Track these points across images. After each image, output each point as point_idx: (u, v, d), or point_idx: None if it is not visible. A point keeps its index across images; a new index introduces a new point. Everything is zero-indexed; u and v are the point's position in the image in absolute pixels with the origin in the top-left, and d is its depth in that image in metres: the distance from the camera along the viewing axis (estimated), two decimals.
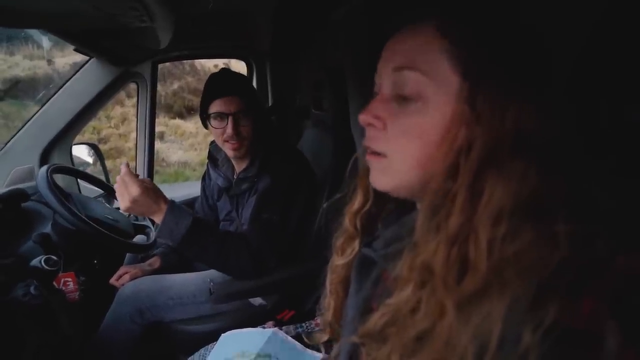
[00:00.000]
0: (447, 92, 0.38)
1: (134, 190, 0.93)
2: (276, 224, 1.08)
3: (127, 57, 1.50)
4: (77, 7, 0.68)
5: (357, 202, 0.52)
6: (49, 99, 1.46)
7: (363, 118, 0.43)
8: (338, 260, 0.54)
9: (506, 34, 0.38)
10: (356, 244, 0.52)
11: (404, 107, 0.41)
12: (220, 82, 1.13)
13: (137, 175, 0.96)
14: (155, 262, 1.28)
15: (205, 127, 1.16)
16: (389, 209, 0.52)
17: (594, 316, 0.29)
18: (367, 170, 0.49)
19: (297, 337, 0.84)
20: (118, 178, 0.95)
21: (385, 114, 0.42)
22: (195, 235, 0.99)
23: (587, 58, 0.40)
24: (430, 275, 0.35)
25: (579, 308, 0.29)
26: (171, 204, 0.99)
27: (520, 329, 0.30)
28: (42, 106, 1.46)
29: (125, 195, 0.93)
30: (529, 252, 0.31)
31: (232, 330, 0.84)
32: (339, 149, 1.28)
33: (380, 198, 0.50)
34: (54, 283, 1.04)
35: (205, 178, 1.40)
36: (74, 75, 1.48)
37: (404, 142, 0.40)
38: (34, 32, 5.12)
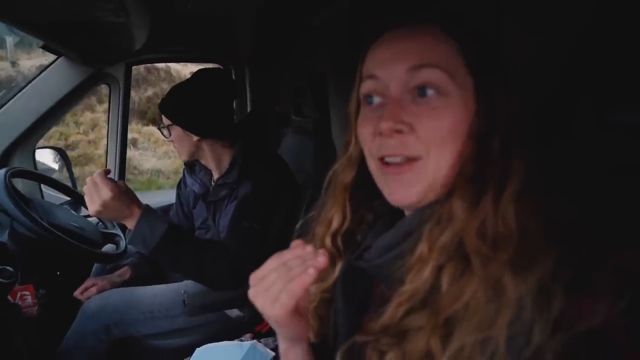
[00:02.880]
0: (465, 87, 0.40)
1: (105, 193, 0.86)
2: (256, 232, 1.05)
3: (99, 57, 1.43)
4: None
5: (335, 221, 0.49)
6: (11, 98, 1.37)
7: (389, 126, 0.39)
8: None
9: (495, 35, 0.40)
10: (338, 265, 0.50)
11: (426, 103, 0.40)
12: None
13: (111, 179, 0.90)
14: (125, 273, 1.22)
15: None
16: (369, 220, 0.50)
17: (595, 315, 0.28)
18: (346, 187, 0.48)
19: (277, 350, 0.81)
20: (88, 179, 0.88)
21: (409, 116, 0.40)
22: (170, 243, 0.94)
23: (576, 58, 0.40)
24: (459, 254, 0.36)
25: (579, 307, 0.29)
26: (146, 208, 0.94)
27: (532, 322, 0.30)
28: (2, 106, 1.36)
29: (95, 198, 0.87)
30: (538, 232, 0.33)
31: (208, 344, 0.82)
32: (320, 155, 1.27)
33: (358, 213, 0.49)
34: (9, 297, 0.95)
35: (180, 185, 1.35)
36: (40, 73, 1.40)
37: (440, 136, 0.39)
38: None
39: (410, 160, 0.40)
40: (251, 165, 1.11)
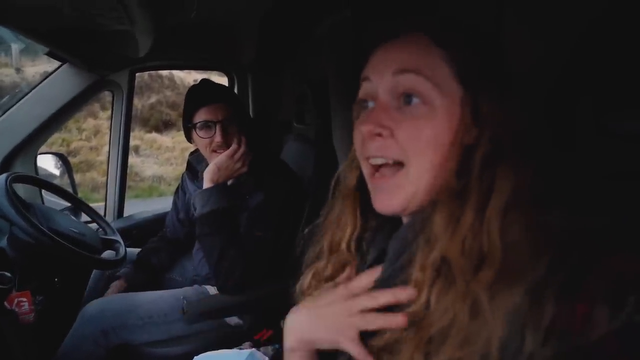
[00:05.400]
0: (451, 97, 0.39)
1: (244, 168, 1.07)
2: (268, 242, 1.06)
3: (103, 64, 1.44)
4: (52, 2, 0.64)
5: (348, 227, 0.49)
6: (14, 104, 1.37)
7: (369, 129, 0.40)
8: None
9: (493, 41, 0.41)
10: (353, 269, 0.49)
11: (409, 112, 0.40)
12: (204, 91, 1.12)
13: None
14: (121, 285, 1.21)
15: (189, 139, 1.13)
16: (372, 227, 0.50)
17: (588, 320, 0.28)
18: (354, 193, 0.49)
19: (276, 357, 0.80)
20: (235, 145, 1.06)
21: (390, 121, 0.40)
22: (216, 217, 1.02)
23: (576, 64, 0.40)
24: (446, 269, 0.36)
25: (573, 312, 0.29)
26: (224, 183, 1.06)
27: (523, 331, 0.30)
28: (5, 111, 1.37)
29: (233, 163, 1.05)
30: (528, 244, 0.33)
31: (206, 353, 0.80)
32: (321, 163, 1.27)
33: (365, 216, 0.49)
34: (6, 303, 0.94)
35: (178, 191, 1.34)
36: (44, 79, 1.41)
37: (419, 146, 0.39)
38: (2, 36, 4.91)
39: (394, 165, 0.41)
40: (264, 174, 1.11)
